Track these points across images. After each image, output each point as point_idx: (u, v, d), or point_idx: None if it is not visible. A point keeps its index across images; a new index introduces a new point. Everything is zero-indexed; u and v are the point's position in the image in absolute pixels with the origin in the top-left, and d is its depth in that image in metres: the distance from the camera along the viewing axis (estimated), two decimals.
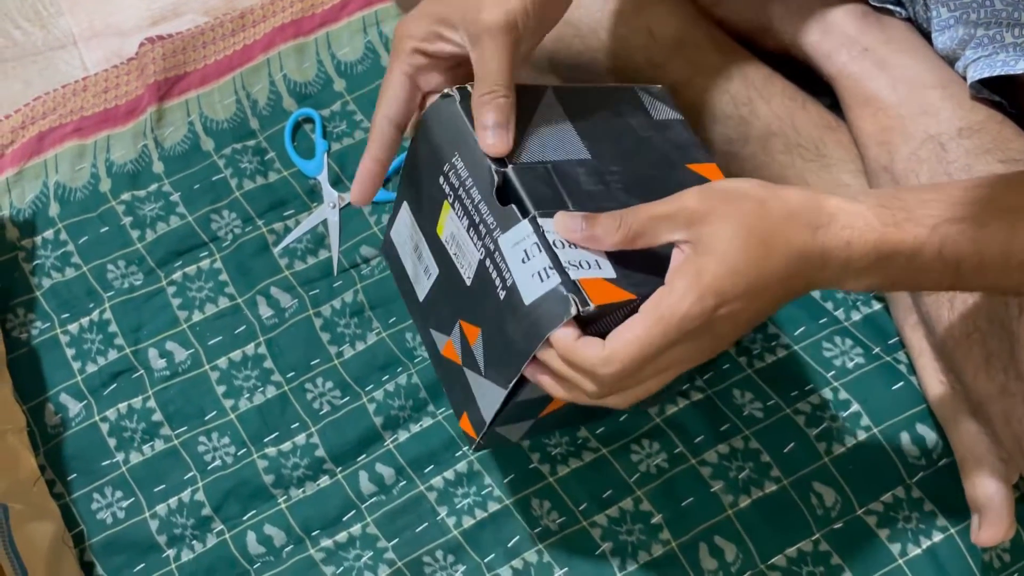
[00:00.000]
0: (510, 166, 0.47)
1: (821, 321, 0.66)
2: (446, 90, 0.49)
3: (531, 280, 0.44)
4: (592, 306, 0.42)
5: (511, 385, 0.46)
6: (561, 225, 0.44)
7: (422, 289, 0.52)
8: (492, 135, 0.46)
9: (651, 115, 0.52)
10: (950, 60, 0.61)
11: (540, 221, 0.45)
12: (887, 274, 0.42)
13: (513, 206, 0.46)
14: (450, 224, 0.49)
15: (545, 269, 0.44)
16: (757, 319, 0.43)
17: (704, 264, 0.41)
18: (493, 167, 0.47)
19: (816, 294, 0.67)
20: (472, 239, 0.47)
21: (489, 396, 0.48)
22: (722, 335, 0.42)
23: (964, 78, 0.59)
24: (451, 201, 0.48)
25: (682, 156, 0.51)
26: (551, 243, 0.44)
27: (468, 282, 0.48)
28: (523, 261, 0.45)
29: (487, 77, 0.46)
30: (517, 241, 0.45)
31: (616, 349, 0.41)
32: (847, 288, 0.43)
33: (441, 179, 0.49)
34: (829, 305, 0.66)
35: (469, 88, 0.48)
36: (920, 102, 0.58)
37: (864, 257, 0.41)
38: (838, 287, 0.44)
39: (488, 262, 0.47)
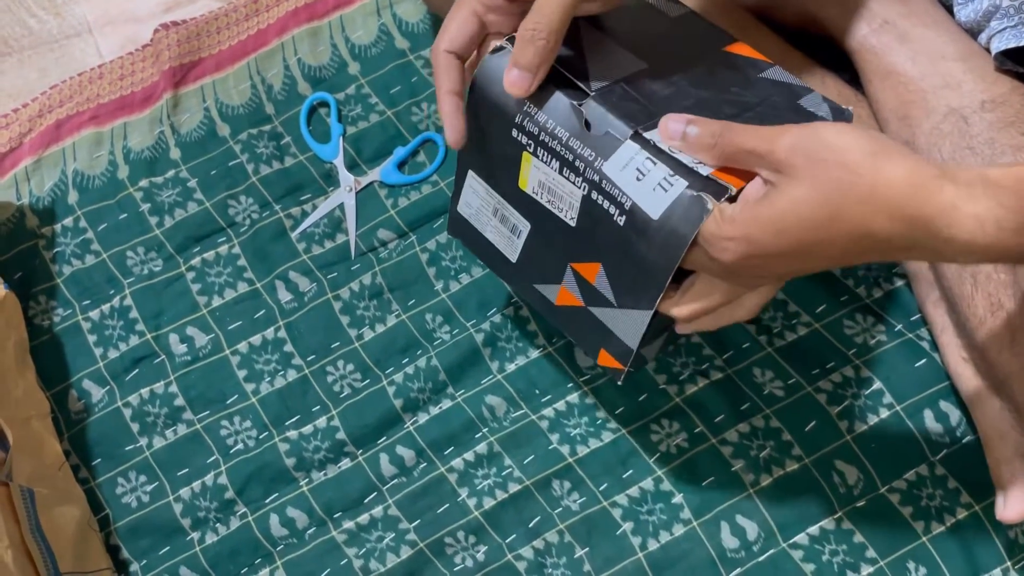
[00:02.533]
0: (590, 96, 0.47)
1: (842, 299, 0.65)
2: (495, 44, 0.49)
3: (652, 195, 0.44)
4: (733, 190, 0.43)
5: (656, 303, 0.47)
6: (666, 130, 0.44)
7: (513, 250, 0.53)
8: (517, 76, 0.45)
9: (668, 15, 0.52)
10: (973, 32, 0.59)
11: (646, 135, 0.45)
12: (1001, 256, 0.39)
13: (610, 130, 0.46)
14: (536, 173, 0.49)
15: (666, 178, 0.44)
16: (811, 268, 0.43)
17: (762, 212, 0.41)
18: (574, 103, 0.46)
19: (836, 271, 0.66)
20: (569, 179, 0.47)
21: (630, 323, 0.49)
22: (752, 278, 0.43)
23: (987, 50, 0.58)
24: (532, 150, 0.48)
25: (712, 42, 0.51)
26: (666, 151, 0.45)
27: (572, 223, 0.48)
28: (638, 179, 0.45)
29: (539, 11, 0.45)
30: (625, 163, 0.45)
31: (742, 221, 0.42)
32: (943, 260, 0.42)
33: (515, 131, 0.49)
34: (850, 282, 0.65)
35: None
36: (942, 75, 0.57)
37: (974, 243, 0.38)
38: (930, 260, 0.43)
39: (596, 194, 0.46)
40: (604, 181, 0.46)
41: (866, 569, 0.58)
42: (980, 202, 0.37)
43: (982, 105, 0.55)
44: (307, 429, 0.65)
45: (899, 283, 0.65)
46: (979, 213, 0.37)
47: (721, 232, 0.42)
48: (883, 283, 0.65)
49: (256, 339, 0.68)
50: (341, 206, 0.71)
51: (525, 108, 0.48)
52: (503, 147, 0.50)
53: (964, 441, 0.61)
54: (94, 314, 0.70)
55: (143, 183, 0.73)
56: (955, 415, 0.61)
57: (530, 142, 0.48)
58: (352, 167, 0.73)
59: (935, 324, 0.60)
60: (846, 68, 0.65)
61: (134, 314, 0.69)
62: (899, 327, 0.64)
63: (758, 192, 0.42)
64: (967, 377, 0.58)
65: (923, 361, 0.62)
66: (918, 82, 0.58)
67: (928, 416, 0.61)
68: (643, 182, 0.45)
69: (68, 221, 0.73)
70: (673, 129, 0.44)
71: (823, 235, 0.40)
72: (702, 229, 0.43)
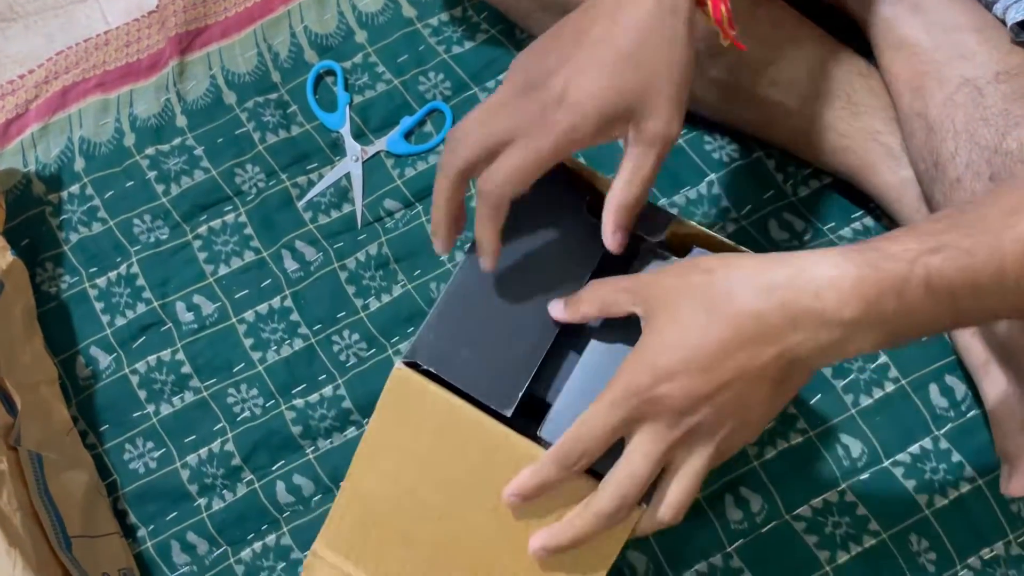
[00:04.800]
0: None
1: None
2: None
3: None
4: None
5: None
6: (554, 312, 0.46)
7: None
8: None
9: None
10: (988, 3, 0.59)
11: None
12: (884, 322, 0.38)
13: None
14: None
15: None
16: (743, 402, 0.40)
17: (644, 340, 0.40)
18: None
19: (845, 232, 0.65)
20: None
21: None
22: (689, 422, 0.40)
23: (1003, 22, 0.57)
24: None
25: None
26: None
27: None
28: None
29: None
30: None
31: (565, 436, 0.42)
32: (851, 352, 0.39)
33: None
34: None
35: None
36: (956, 45, 0.56)
37: (845, 306, 0.37)
38: (839, 353, 0.39)
39: None
40: None
41: (869, 541, 0.58)
42: (829, 251, 0.38)
43: (996, 76, 0.54)
44: (313, 398, 0.65)
45: None
46: (830, 258, 0.38)
47: (644, 380, 0.40)
48: None
49: (262, 308, 0.68)
50: (347, 176, 0.71)
51: None
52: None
53: (969, 415, 0.61)
54: (101, 281, 0.70)
55: (149, 151, 0.73)
56: (960, 389, 0.61)
57: None
58: (359, 136, 0.73)
59: None
60: (858, 39, 0.64)
61: (141, 282, 0.69)
62: None
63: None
64: (976, 351, 0.58)
65: None
66: (931, 53, 0.57)
67: (934, 390, 0.61)
68: None
69: (75, 188, 0.73)
70: (556, 310, 0.45)
71: (710, 332, 0.39)
72: (628, 385, 0.40)
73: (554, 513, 0.45)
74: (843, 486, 0.60)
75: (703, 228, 0.48)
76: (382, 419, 0.48)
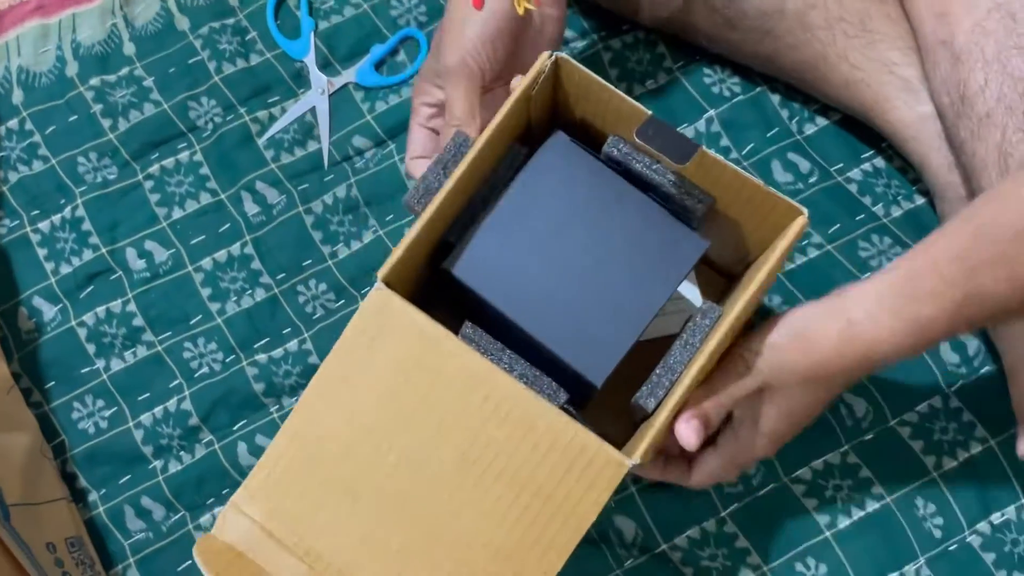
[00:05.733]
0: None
1: (858, 217, 0.60)
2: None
3: None
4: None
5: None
6: (681, 438, 0.46)
7: None
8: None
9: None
10: None
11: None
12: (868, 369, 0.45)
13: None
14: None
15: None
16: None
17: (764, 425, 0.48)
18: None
19: (853, 188, 0.61)
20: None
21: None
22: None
23: None
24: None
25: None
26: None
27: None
28: None
29: (449, 112, 0.52)
30: None
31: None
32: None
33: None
34: (867, 199, 0.60)
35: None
36: None
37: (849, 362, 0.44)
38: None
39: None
40: None
41: (872, 506, 0.55)
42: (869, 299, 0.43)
43: None
44: (277, 352, 0.60)
45: (920, 200, 0.60)
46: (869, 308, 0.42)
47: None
48: (903, 201, 0.61)
49: (221, 255, 0.62)
50: (313, 110, 0.65)
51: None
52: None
53: (982, 372, 0.57)
54: (43, 225, 0.64)
55: (94, 81, 0.67)
56: (973, 344, 0.57)
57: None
58: (325, 66, 0.66)
59: None
60: None
61: (87, 226, 0.63)
62: None
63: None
64: None
65: None
66: None
67: (944, 346, 0.57)
68: None
69: (13, 123, 0.66)
70: (687, 435, 0.45)
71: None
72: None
73: (528, 467, 0.41)
74: (845, 447, 0.56)
75: (728, 163, 0.45)
76: (346, 348, 0.43)
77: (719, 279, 0.56)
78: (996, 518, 0.55)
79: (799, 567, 0.54)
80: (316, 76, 0.66)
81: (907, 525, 0.55)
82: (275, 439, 0.44)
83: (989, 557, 0.54)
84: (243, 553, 0.42)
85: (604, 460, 0.41)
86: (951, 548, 0.54)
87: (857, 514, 0.55)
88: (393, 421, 0.42)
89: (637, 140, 0.44)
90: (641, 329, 0.46)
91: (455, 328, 0.45)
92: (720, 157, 0.45)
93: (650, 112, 0.45)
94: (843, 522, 0.55)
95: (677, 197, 0.47)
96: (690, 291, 0.55)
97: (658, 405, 0.44)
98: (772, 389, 0.45)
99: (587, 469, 0.41)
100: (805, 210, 0.44)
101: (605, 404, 0.48)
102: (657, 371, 0.45)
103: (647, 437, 0.42)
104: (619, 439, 0.48)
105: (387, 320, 0.43)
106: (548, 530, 0.41)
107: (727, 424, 0.48)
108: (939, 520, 0.55)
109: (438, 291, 0.50)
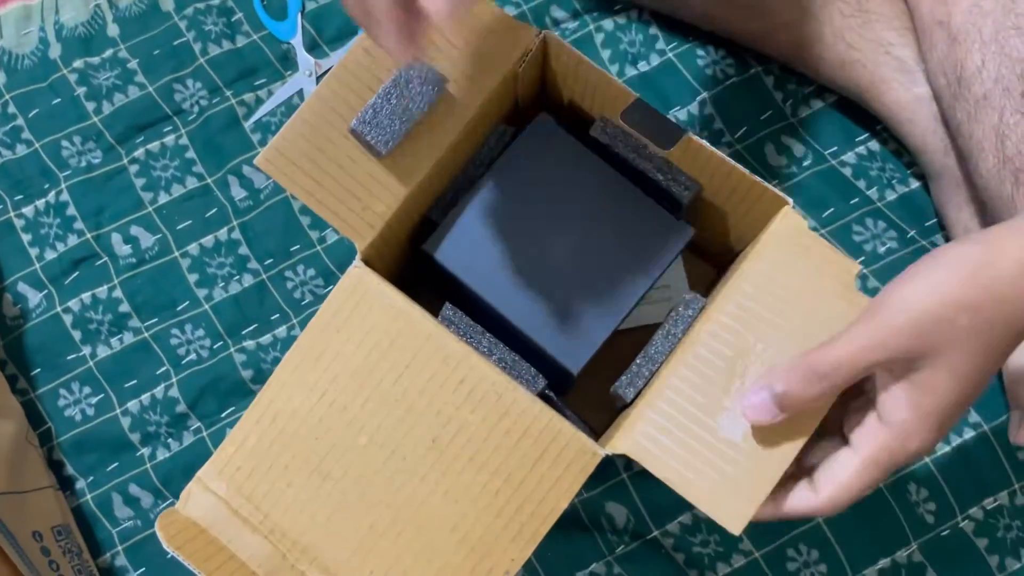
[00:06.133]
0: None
1: (852, 201, 0.59)
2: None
3: None
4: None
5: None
6: (751, 412, 0.39)
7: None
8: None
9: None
10: None
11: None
12: None
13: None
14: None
15: None
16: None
17: (938, 392, 0.35)
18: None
19: (848, 171, 0.60)
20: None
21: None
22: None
23: None
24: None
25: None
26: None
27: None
28: None
29: None
30: None
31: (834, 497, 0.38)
32: None
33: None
34: (861, 183, 0.60)
35: None
36: None
37: None
38: None
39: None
40: None
41: None
42: None
43: None
44: (265, 339, 0.60)
45: (915, 184, 0.60)
46: None
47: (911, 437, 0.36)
48: (897, 185, 0.60)
49: (208, 240, 0.62)
50: (300, 92, 0.64)
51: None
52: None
53: None
54: (27, 210, 0.63)
55: (78, 64, 0.65)
56: None
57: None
58: (312, 48, 0.65)
59: (957, 228, 0.55)
60: None
61: (72, 211, 0.62)
62: (912, 233, 0.58)
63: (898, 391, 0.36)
64: None
65: None
66: None
67: None
68: None
69: None
70: (759, 404, 0.37)
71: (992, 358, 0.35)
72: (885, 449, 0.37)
73: (500, 453, 0.41)
74: None
75: (714, 150, 0.44)
76: (320, 325, 0.42)
77: (711, 270, 0.55)
78: (989, 503, 0.54)
79: (791, 553, 0.54)
80: (303, 58, 0.65)
81: (899, 510, 0.54)
82: (245, 415, 0.43)
83: (982, 542, 0.54)
84: (206, 529, 0.42)
85: (577, 449, 0.40)
86: (943, 533, 0.54)
87: None
88: (365, 401, 0.42)
89: (623, 123, 0.43)
90: (620, 318, 0.46)
91: (438, 308, 0.44)
92: (707, 144, 0.44)
93: (637, 95, 0.44)
94: None
95: (663, 183, 0.46)
96: (678, 280, 0.54)
97: (637, 395, 0.44)
98: (936, 349, 0.35)
99: (559, 457, 0.40)
100: (790, 200, 0.43)
101: (590, 392, 0.48)
102: (637, 360, 0.44)
103: (622, 427, 0.41)
104: (603, 429, 0.47)
105: (363, 298, 0.42)
106: (518, 517, 0.41)
107: (855, 412, 0.39)
108: (931, 505, 0.54)
109: (424, 269, 0.49)
